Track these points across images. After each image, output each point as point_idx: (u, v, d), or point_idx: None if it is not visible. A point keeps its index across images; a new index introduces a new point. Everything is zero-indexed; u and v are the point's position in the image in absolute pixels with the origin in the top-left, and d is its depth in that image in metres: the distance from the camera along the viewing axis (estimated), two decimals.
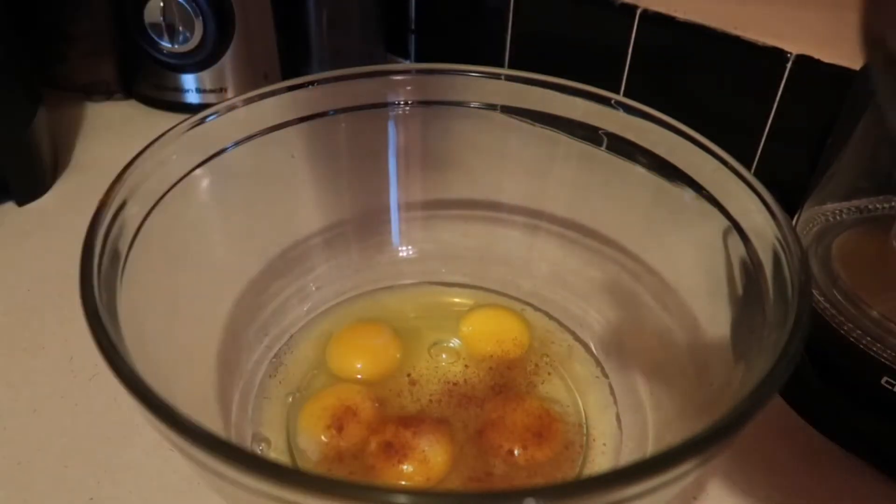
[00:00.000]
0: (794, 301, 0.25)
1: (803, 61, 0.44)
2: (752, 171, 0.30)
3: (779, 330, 0.24)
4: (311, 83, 0.36)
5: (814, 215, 0.38)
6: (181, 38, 0.54)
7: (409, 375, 0.35)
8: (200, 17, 0.53)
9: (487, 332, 0.37)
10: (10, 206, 0.49)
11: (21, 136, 0.48)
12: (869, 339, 0.32)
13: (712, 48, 0.47)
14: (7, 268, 0.44)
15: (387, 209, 0.42)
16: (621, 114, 0.35)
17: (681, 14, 0.48)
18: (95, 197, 0.28)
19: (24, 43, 0.50)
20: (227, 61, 0.55)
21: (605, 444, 0.33)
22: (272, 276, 0.38)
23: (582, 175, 0.39)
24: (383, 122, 0.39)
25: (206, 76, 0.56)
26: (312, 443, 0.32)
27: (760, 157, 0.47)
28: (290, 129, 0.36)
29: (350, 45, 0.61)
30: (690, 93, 0.49)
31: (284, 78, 0.52)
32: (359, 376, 0.35)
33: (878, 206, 0.37)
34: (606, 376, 0.36)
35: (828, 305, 0.34)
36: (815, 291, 0.34)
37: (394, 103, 0.39)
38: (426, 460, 0.30)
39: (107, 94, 0.60)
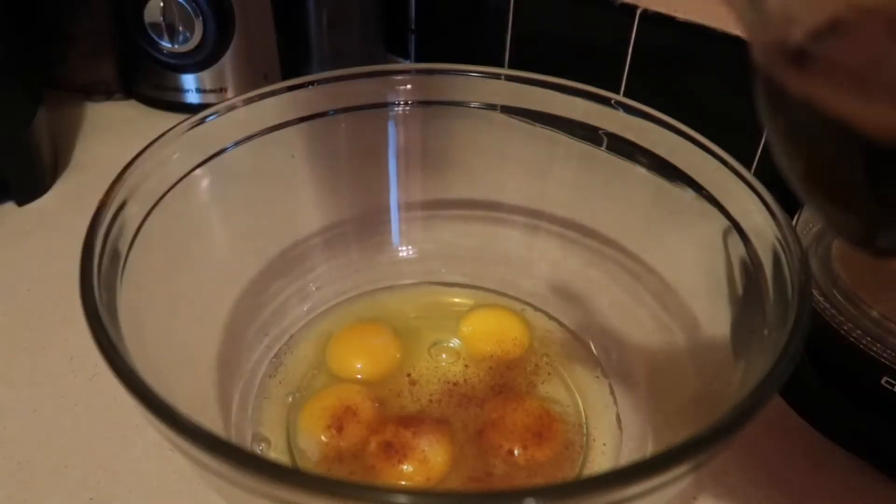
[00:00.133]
0: (794, 301, 0.25)
1: None
2: (752, 171, 0.30)
3: (779, 330, 0.24)
4: (311, 83, 0.36)
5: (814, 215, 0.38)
6: (181, 38, 0.54)
7: (409, 375, 0.35)
8: (200, 17, 0.53)
9: (487, 332, 0.37)
10: (10, 206, 0.49)
11: (21, 136, 0.48)
12: (869, 339, 0.32)
13: (712, 48, 0.47)
14: (7, 268, 0.44)
15: (387, 209, 0.42)
16: (621, 114, 0.35)
17: (681, 14, 0.48)
18: (95, 197, 0.28)
19: (24, 43, 0.50)
20: (227, 61, 0.55)
21: (605, 444, 0.33)
22: (272, 276, 0.38)
23: (582, 175, 0.39)
24: (383, 122, 0.39)
25: (206, 76, 0.56)
26: (312, 443, 0.32)
27: (760, 157, 0.47)
28: (290, 129, 0.36)
29: (350, 45, 0.61)
30: (690, 93, 0.49)
31: (284, 78, 0.52)
32: (359, 376, 0.35)
33: None
34: (606, 376, 0.36)
35: (828, 305, 0.34)
36: (815, 291, 0.34)
37: (394, 103, 0.39)
38: (426, 460, 0.30)
39: (107, 94, 0.60)
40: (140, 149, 0.30)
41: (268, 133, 0.35)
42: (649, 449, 0.31)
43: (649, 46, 0.50)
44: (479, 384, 0.35)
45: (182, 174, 0.32)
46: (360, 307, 0.40)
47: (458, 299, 0.41)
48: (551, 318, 0.39)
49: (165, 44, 0.54)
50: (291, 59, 0.58)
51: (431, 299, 0.41)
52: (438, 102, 0.39)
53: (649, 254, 0.36)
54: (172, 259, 0.32)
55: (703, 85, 0.49)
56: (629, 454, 0.32)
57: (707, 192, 0.32)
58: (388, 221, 0.42)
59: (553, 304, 0.40)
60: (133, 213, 0.29)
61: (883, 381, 0.32)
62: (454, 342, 0.37)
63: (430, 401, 0.34)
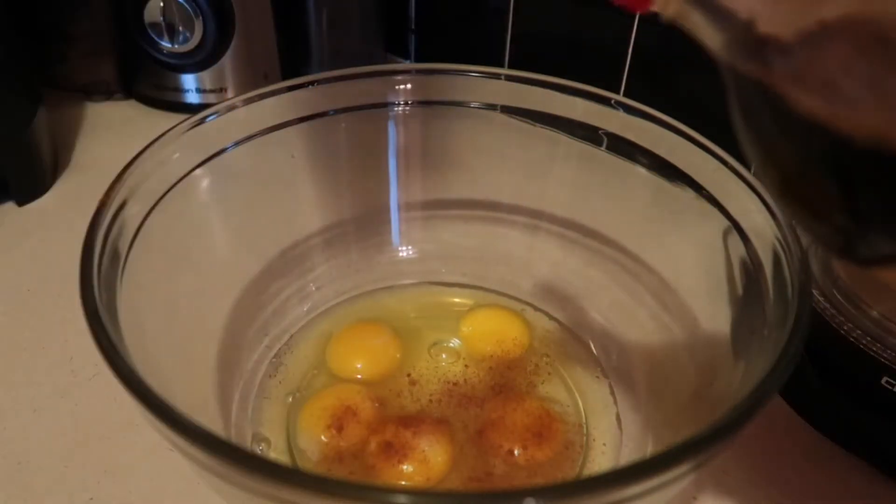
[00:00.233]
0: (794, 301, 0.25)
1: None
2: (752, 171, 0.30)
3: (779, 330, 0.24)
4: (311, 83, 0.36)
5: None
6: (181, 38, 0.54)
7: (409, 375, 0.35)
8: (200, 17, 0.53)
9: (487, 332, 0.37)
10: (10, 206, 0.49)
11: (21, 136, 0.48)
12: (869, 339, 0.32)
13: None
14: (7, 268, 0.44)
15: (387, 209, 0.42)
16: (621, 114, 0.35)
17: None
18: (95, 197, 0.28)
19: (24, 43, 0.50)
20: (227, 61, 0.55)
21: (605, 444, 0.33)
22: (272, 276, 0.38)
23: (582, 175, 0.39)
24: (383, 122, 0.39)
25: (206, 76, 0.56)
26: (312, 443, 0.32)
27: None
28: (290, 129, 0.36)
29: (350, 45, 0.61)
30: (690, 93, 0.49)
31: (284, 78, 0.52)
32: (359, 376, 0.35)
33: None
34: (606, 376, 0.36)
35: (828, 305, 0.34)
36: (815, 291, 0.34)
37: (394, 103, 0.39)
38: (426, 460, 0.30)
39: (107, 94, 0.60)
40: (140, 149, 0.30)
41: (268, 133, 0.35)
42: (649, 449, 0.31)
43: (649, 46, 0.50)
44: (479, 384, 0.35)
45: (182, 174, 0.32)
46: (360, 307, 0.40)
47: (458, 299, 0.41)
48: (551, 318, 0.39)
49: (165, 44, 0.54)
50: (291, 59, 0.58)
51: (431, 299, 0.41)
52: (438, 102, 0.39)
53: (649, 254, 0.36)
54: (172, 259, 0.32)
55: (703, 85, 0.49)
56: (629, 454, 0.32)
57: (707, 192, 0.32)
58: (388, 221, 0.42)
59: (553, 304, 0.40)
60: (133, 213, 0.29)
61: (883, 381, 0.32)
62: (454, 342, 0.37)
63: (430, 401, 0.34)
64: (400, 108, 0.39)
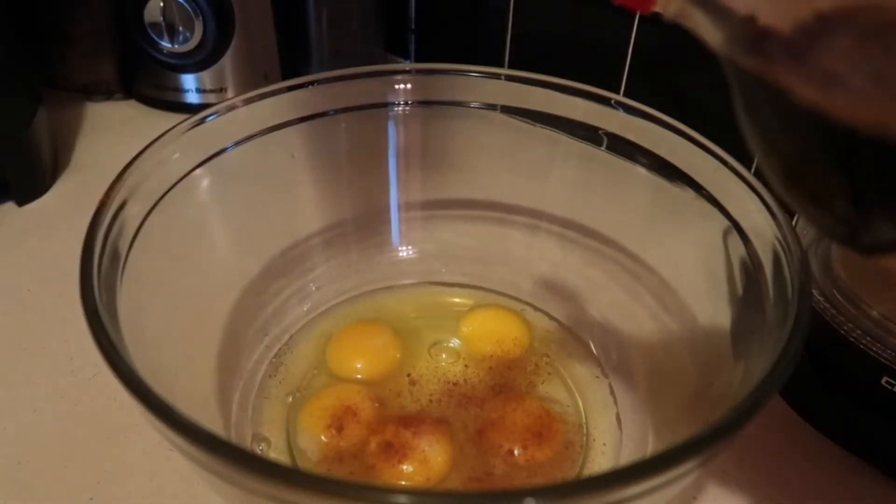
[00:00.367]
0: (794, 301, 0.25)
1: None
2: (752, 171, 0.30)
3: (779, 330, 0.24)
4: (311, 83, 0.36)
5: None
6: (181, 38, 0.54)
7: (409, 375, 0.35)
8: (200, 17, 0.53)
9: (487, 332, 0.37)
10: (10, 206, 0.49)
11: (21, 136, 0.48)
12: (869, 339, 0.32)
13: None
14: (7, 268, 0.44)
15: (387, 209, 0.42)
16: (621, 114, 0.35)
17: None
18: (95, 197, 0.28)
19: (24, 43, 0.50)
20: (227, 61, 0.55)
21: (605, 444, 0.33)
22: (272, 276, 0.38)
23: (582, 175, 0.39)
24: (383, 122, 0.39)
25: (206, 76, 0.56)
26: (312, 443, 0.32)
27: None
28: (290, 129, 0.36)
29: (350, 45, 0.61)
30: (690, 93, 0.49)
31: (284, 78, 0.52)
32: (359, 376, 0.35)
33: None
34: (606, 376, 0.36)
35: (828, 305, 0.34)
36: (815, 291, 0.34)
37: (394, 103, 0.39)
38: (426, 460, 0.30)
39: (107, 94, 0.60)
40: (140, 149, 0.30)
41: (268, 133, 0.35)
42: (649, 449, 0.31)
43: (649, 46, 0.50)
44: (479, 384, 0.35)
45: (182, 174, 0.32)
46: (360, 307, 0.40)
47: (458, 299, 0.41)
48: (551, 318, 0.39)
49: (165, 44, 0.54)
50: (291, 59, 0.58)
51: (431, 299, 0.41)
52: (438, 102, 0.39)
53: (649, 253, 0.36)
54: (172, 259, 0.32)
55: (703, 85, 0.49)
56: (629, 454, 0.32)
57: (707, 192, 0.32)
58: (388, 221, 0.42)
59: (553, 304, 0.40)
60: (133, 213, 0.29)
61: (883, 381, 0.32)
62: (454, 342, 0.37)
63: (430, 401, 0.34)
64: (400, 108, 0.39)
